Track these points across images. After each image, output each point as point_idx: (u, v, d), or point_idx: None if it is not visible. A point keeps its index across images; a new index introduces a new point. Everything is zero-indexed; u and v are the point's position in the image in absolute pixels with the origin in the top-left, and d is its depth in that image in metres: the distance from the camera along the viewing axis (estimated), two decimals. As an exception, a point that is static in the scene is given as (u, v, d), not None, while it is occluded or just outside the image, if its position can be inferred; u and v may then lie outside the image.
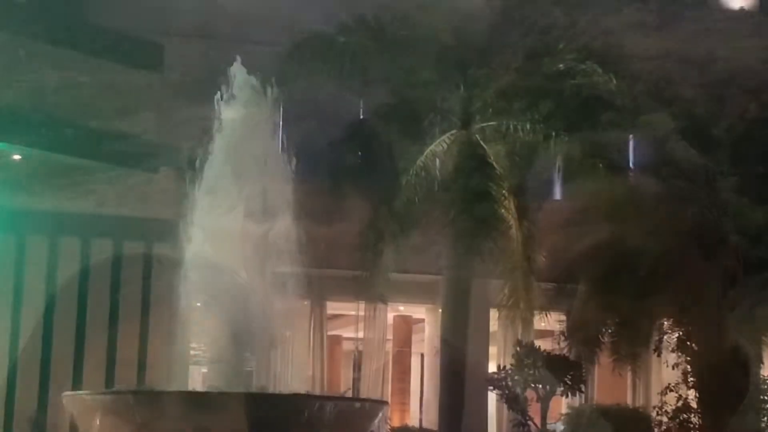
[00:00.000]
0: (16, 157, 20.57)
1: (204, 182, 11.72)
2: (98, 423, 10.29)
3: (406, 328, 34.13)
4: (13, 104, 19.21)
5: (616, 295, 21.16)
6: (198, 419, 9.71)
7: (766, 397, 22.68)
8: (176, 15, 28.74)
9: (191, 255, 11.48)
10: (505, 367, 22.75)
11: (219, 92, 12.17)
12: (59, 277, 24.28)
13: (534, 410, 22.12)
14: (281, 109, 12.25)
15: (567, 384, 21.86)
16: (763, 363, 22.59)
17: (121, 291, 24.55)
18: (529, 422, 21.99)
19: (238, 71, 12.30)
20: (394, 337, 33.80)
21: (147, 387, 11.73)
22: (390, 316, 32.46)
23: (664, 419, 23.44)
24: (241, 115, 12.02)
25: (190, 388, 13.10)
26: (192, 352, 11.91)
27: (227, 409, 9.84)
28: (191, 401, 10.11)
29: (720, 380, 21.44)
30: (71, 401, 10.61)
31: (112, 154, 20.81)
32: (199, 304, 11.96)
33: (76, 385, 22.59)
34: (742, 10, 33.09)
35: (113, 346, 24.27)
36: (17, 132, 19.42)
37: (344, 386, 36.54)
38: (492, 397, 25.95)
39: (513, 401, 21.96)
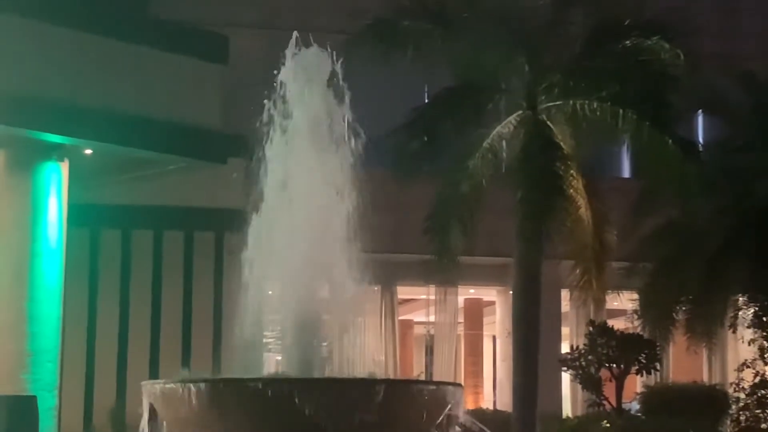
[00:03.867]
0: (88, 151, 20.83)
1: (270, 171, 11.78)
2: (178, 411, 10.40)
3: (477, 310, 34.17)
4: (83, 100, 19.44)
5: (688, 272, 21.00)
6: (288, 406, 9.74)
7: None
8: (240, 6, 28.95)
9: (261, 244, 11.57)
10: (578, 347, 22.64)
11: (279, 83, 12.18)
12: (133, 270, 24.61)
13: (608, 390, 22.01)
14: (346, 95, 12.26)
15: (641, 363, 21.73)
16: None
17: (194, 281, 24.84)
18: (604, 402, 21.89)
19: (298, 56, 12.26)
20: (465, 320, 33.88)
21: (225, 375, 11.85)
22: (461, 299, 32.52)
23: (742, 396, 23.23)
24: (305, 103, 12.06)
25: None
26: (265, 340, 12.01)
27: (305, 395, 9.89)
28: (278, 388, 10.13)
29: (797, 355, 21.21)
30: (151, 390, 10.73)
31: (180, 147, 21.00)
32: (270, 293, 12.04)
33: (153, 375, 22.90)
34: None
35: (188, 335, 24.58)
36: (88, 127, 19.66)
37: (417, 370, 36.68)
38: (566, 377, 25.88)
39: (587, 381, 21.87)
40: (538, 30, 19.85)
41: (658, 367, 23.05)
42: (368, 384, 10.74)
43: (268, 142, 11.94)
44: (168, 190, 23.80)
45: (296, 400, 9.73)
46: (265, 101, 12.04)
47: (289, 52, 12.18)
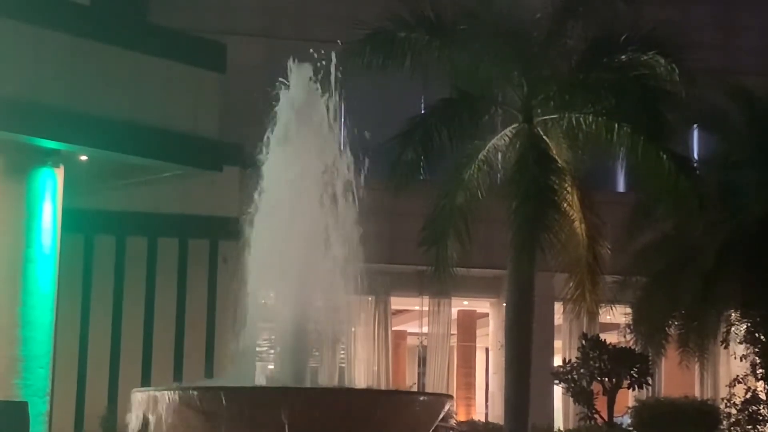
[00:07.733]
0: (83, 157, 20.82)
1: (265, 180, 11.80)
2: (170, 419, 10.40)
3: (470, 322, 34.16)
4: (80, 106, 19.44)
5: (682, 287, 21.03)
6: (273, 413, 9.76)
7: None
8: (238, 14, 29.00)
9: (255, 252, 11.58)
10: (570, 360, 22.66)
11: (279, 89, 12.22)
12: (126, 276, 24.59)
13: (600, 403, 22.01)
14: (342, 105, 12.29)
15: (633, 377, 21.74)
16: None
17: (187, 289, 24.82)
18: (596, 415, 21.89)
19: (296, 67, 12.32)
20: (458, 331, 33.86)
21: (219, 382, 11.86)
22: (454, 310, 32.51)
23: (733, 411, 23.25)
24: (300, 112, 12.08)
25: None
26: (258, 349, 12.02)
27: (295, 403, 9.90)
28: (267, 396, 10.17)
29: (789, 372, 21.23)
30: (142, 397, 10.73)
31: (176, 154, 21.00)
32: (264, 302, 12.06)
33: (145, 382, 22.87)
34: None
35: (180, 343, 24.54)
36: (84, 133, 19.65)
37: (409, 381, 36.68)
38: (558, 390, 25.88)
39: (579, 394, 21.89)
40: (535, 43, 19.89)
41: (650, 382, 23.08)
42: (359, 395, 10.75)
43: (262, 150, 11.96)
44: (163, 197, 23.80)
45: (285, 410, 9.74)
46: (262, 110, 12.05)
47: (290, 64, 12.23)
